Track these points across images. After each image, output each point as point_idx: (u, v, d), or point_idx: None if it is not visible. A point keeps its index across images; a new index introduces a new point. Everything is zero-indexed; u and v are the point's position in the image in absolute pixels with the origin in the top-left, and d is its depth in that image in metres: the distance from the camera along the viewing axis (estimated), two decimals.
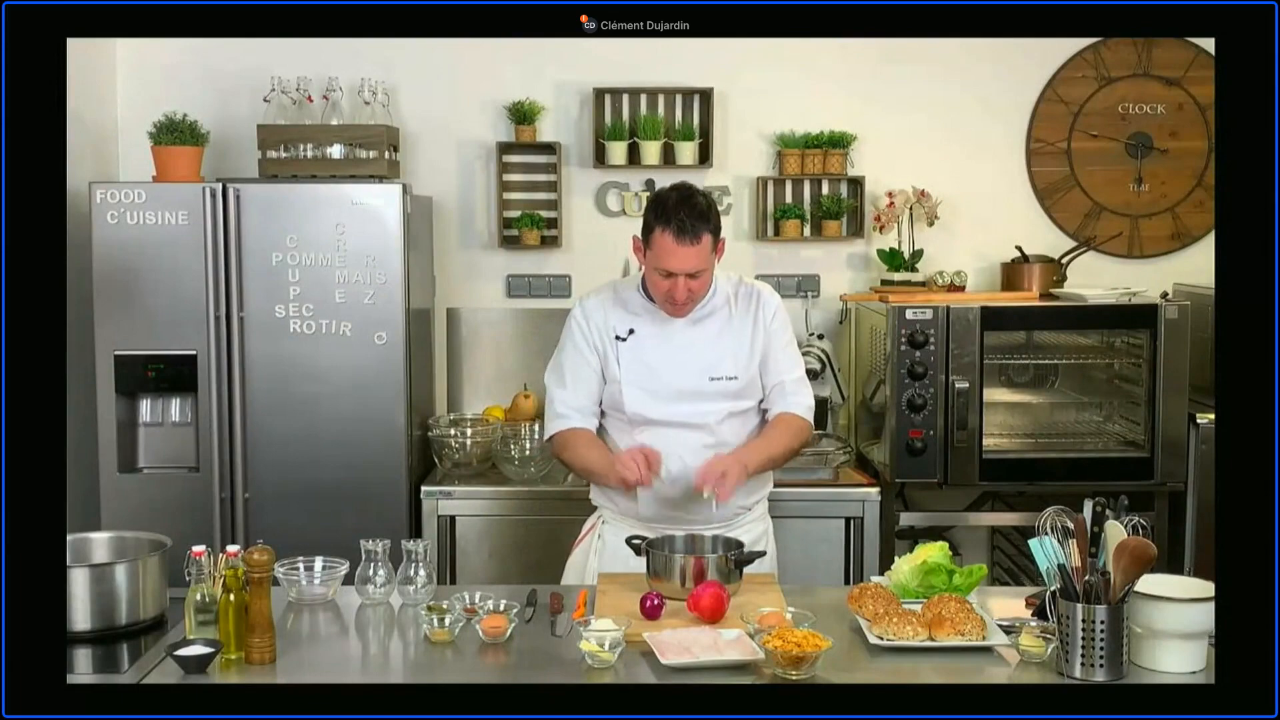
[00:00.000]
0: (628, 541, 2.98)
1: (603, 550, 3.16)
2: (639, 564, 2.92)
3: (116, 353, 3.99)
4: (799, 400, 3.14)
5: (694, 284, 2.97)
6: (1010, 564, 4.56)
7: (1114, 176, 4.71)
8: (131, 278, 3.97)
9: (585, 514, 4.06)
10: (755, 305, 3.13)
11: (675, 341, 3.08)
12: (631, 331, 3.10)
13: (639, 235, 3.04)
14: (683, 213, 2.91)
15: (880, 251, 4.59)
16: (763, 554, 2.97)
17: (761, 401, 3.16)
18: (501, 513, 4.06)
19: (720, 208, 4.62)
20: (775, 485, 3.96)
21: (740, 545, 2.89)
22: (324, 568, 2.83)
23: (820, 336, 4.60)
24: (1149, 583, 2.36)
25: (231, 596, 2.41)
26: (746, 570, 2.86)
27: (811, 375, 4.50)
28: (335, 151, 4.16)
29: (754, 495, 3.17)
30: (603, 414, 3.16)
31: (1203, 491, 4.04)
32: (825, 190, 4.68)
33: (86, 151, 4.35)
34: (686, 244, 2.91)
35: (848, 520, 4.02)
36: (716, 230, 2.99)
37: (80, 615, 2.53)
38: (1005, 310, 4.11)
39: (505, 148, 4.59)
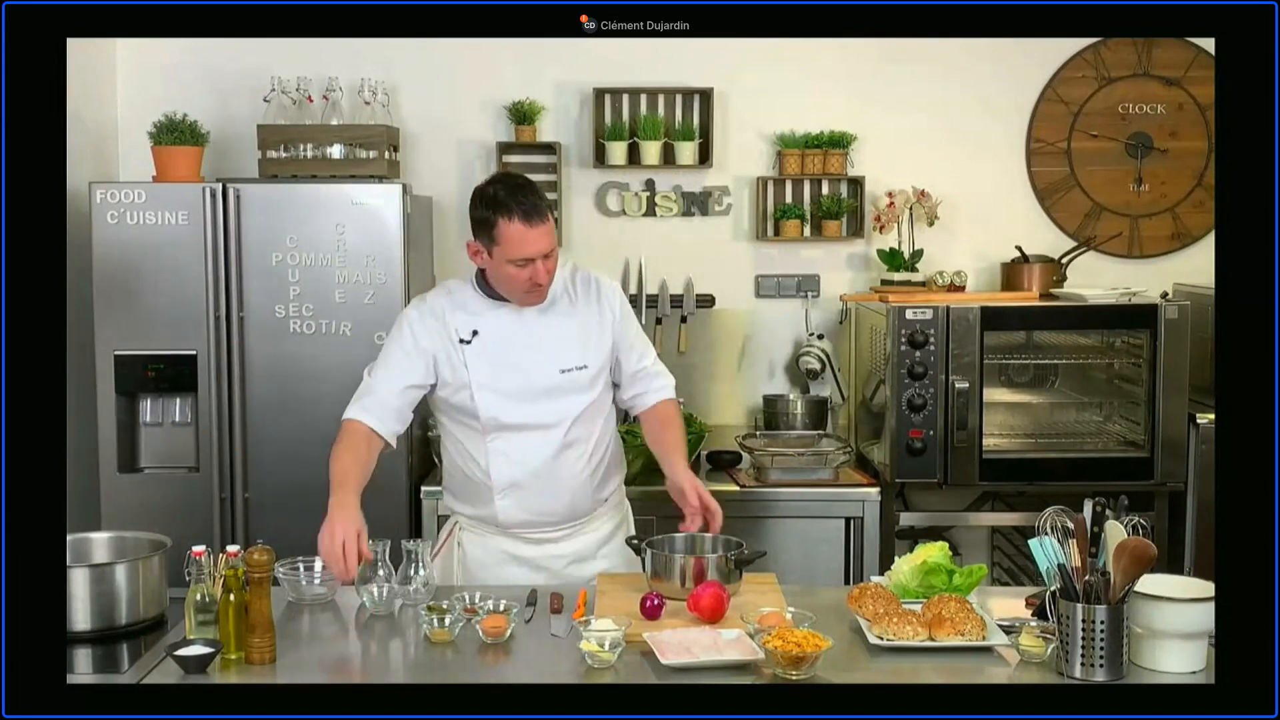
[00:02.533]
0: (628, 541, 2.98)
1: (464, 559, 3.10)
2: (505, 574, 2.98)
3: (116, 353, 3.99)
4: (665, 382, 3.16)
5: (549, 264, 2.92)
6: (1010, 564, 4.56)
7: (1114, 176, 4.71)
8: (131, 278, 3.97)
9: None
10: (597, 292, 3.09)
11: (521, 338, 2.99)
12: (475, 333, 2.99)
13: (471, 239, 2.94)
14: (521, 197, 2.87)
15: (880, 251, 4.59)
16: (763, 553, 2.96)
17: (615, 391, 3.14)
18: None
19: (720, 208, 4.66)
20: (775, 485, 4.00)
21: (740, 545, 2.89)
22: (324, 568, 2.83)
23: (820, 336, 4.61)
24: (1149, 583, 2.36)
25: (231, 596, 2.41)
26: (747, 573, 2.86)
27: (812, 375, 4.54)
28: (335, 151, 4.16)
29: (608, 486, 3.14)
30: (444, 423, 3.09)
31: (1203, 491, 4.04)
32: (825, 190, 4.68)
33: (86, 151, 4.35)
34: (538, 224, 2.86)
35: (848, 520, 4.02)
36: (551, 213, 3.00)
37: (80, 615, 2.53)
38: (1005, 310, 4.11)
39: (505, 148, 4.59)
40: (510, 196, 2.87)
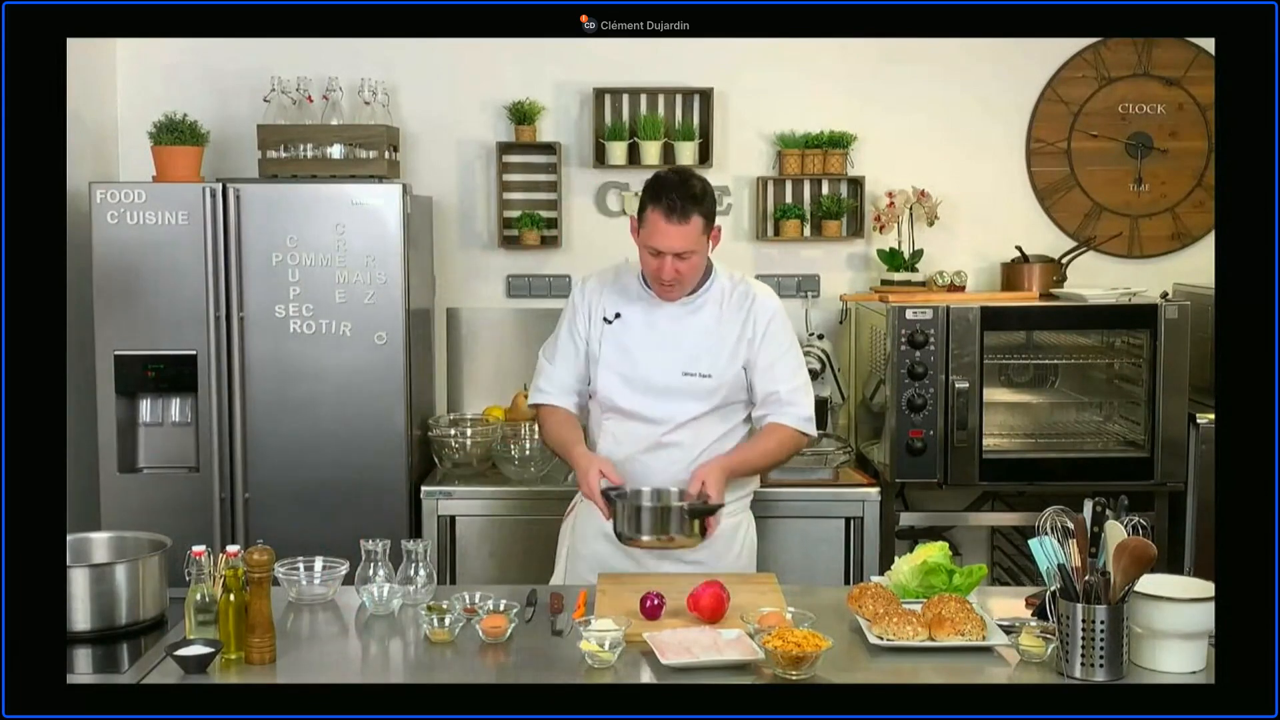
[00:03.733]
0: (603, 492, 2.94)
1: (575, 524, 3.19)
2: (598, 549, 3.04)
3: (116, 353, 3.99)
4: (793, 411, 3.08)
5: (682, 265, 2.95)
6: (1010, 564, 4.56)
7: (1114, 176, 4.71)
8: (131, 278, 3.97)
9: None
10: (748, 306, 3.09)
11: (659, 331, 3.06)
12: (619, 315, 3.09)
13: (635, 215, 3.04)
14: (675, 193, 2.91)
15: (880, 251, 4.59)
16: (721, 505, 2.92)
17: (751, 410, 3.13)
18: (501, 513, 4.06)
19: (720, 208, 4.64)
20: (775, 485, 3.99)
21: (705, 500, 2.89)
22: (324, 568, 2.83)
23: (820, 336, 4.60)
24: (1149, 583, 2.36)
25: (231, 596, 2.41)
26: (746, 572, 2.86)
27: (811, 375, 4.51)
28: (335, 151, 4.16)
29: (734, 494, 3.12)
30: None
31: (1203, 491, 4.04)
32: (825, 190, 4.68)
33: (86, 151, 4.35)
34: (675, 223, 2.90)
35: (848, 520, 4.02)
36: (710, 215, 2.97)
37: (80, 615, 2.53)
38: (1005, 310, 4.11)
39: (505, 148, 4.59)
40: (665, 188, 2.93)
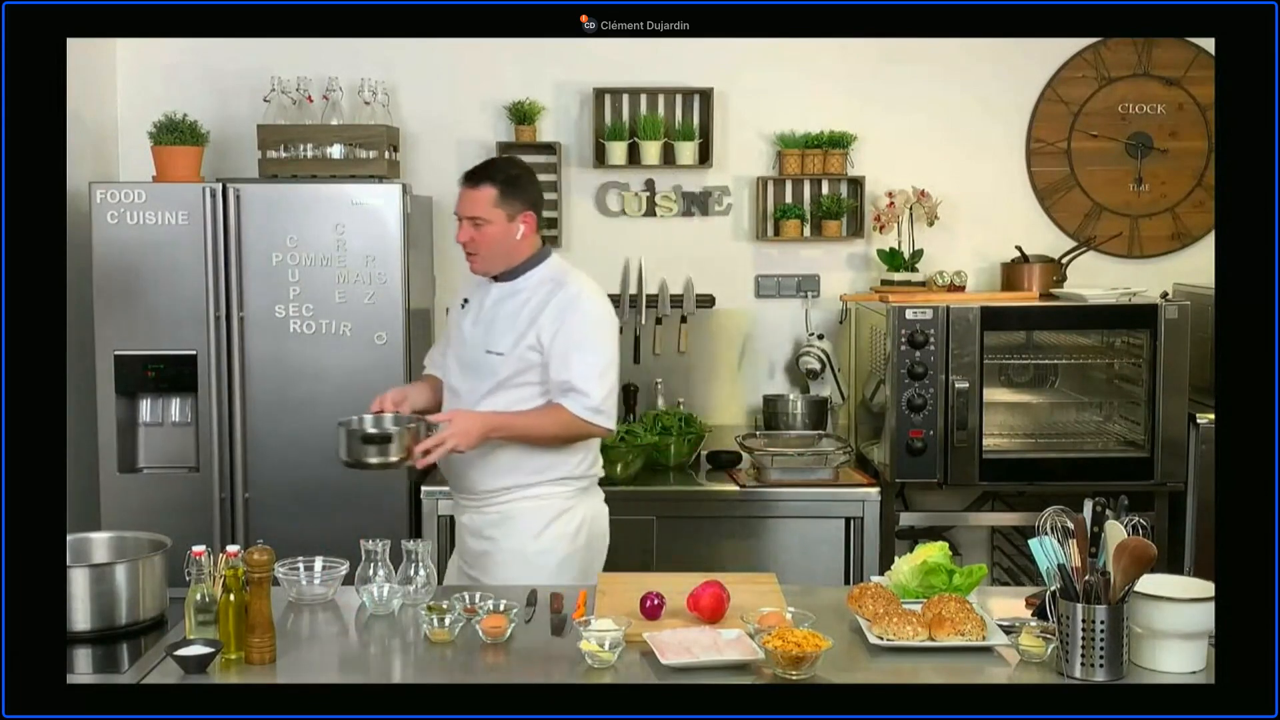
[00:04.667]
0: (339, 422, 3.08)
1: None
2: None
3: (116, 353, 3.99)
4: (579, 399, 3.11)
5: (475, 234, 3.15)
6: (1010, 564, 4.56)
7: (1114, 176, 4.71)
8: (131, 278, 3.97)
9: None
10: (554, 295, 3.16)
11: (483, 312, 3.23)
12: (467, 301, 3.30)
13: None
14: (478, 164, 3.24)
15: (880, 251, 4.59)
16: (418, 423, 3.06)
17: (546, 394, 3.16)
18: None
19: (720, 208, 4.65)
20: (775, 485, 4.00)
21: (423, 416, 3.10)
22: (324, 568, 2.83)
23: (820, 336, 4.61)
24: (1149, 583, 2.36)
25: (231, 596, 2.41)
26: (746, 573, 2.86)
27: (812, 375, 4.54)
28: (335, 151, 4.16)
29: (505, 479, 3.16)
30: None
31: (1203, 491, 4.04)
32: (825, 190, 4.68)
33: (86, 151, 4.35)
34: (467, 187, 3.16)
35: (848, 520, 4.02)
36: (509, 194, 3.15)
37: (80, 615, 2.53)
38: (1005, 310, 4.11)
39: (505, 148, 4.58)
40: (478, 165, 3.24)
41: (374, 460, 3.01)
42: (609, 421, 3.16)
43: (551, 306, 3.14)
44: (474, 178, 3.17)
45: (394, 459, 3.01)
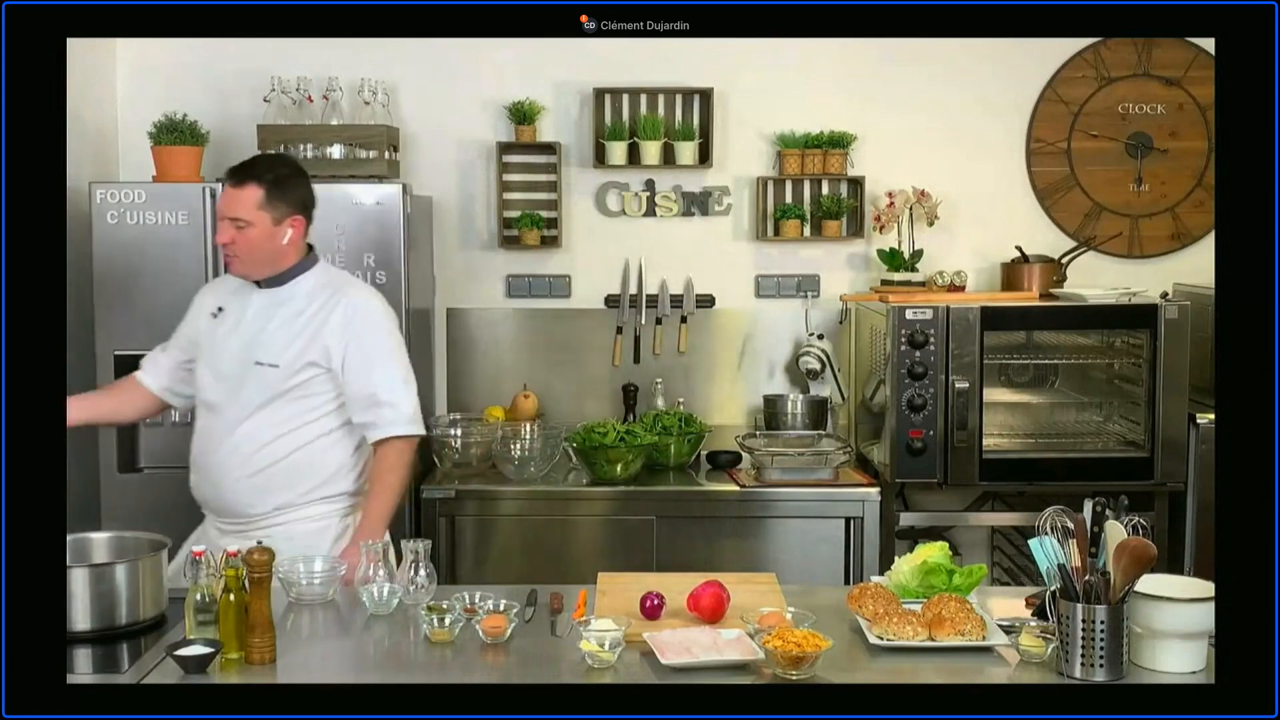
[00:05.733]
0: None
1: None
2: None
3: (116, 353, 3.99)
4: (392, 413, 3.07)
5: (237, 235, 3.00)
6: (1010, 564, 4.56)
7: (1114, 176, 4.71)
8: (131, 278, 3.97)
9: (585, 513, 4.09)
10: (337, 304, 3.08)
11: (246, 321, 3.08)
12: (221, 310, 3.14)
13: None
14: (243, 163, 3.08)
15: (880, 251, 4.59)
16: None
17: (351, 412, 3.10)
18: (501, 513, 4.06)
19: (720, 208, 4.65)
20: (775, 485, 4.00)
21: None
22: (324, 568, 2.83)
23: (820, 336, 4.61)
24: (1149, 583, 2.36)
25: (231, 596, 2.41)
26: (746, 573, 2.86)
27: (812, 375, 4.54)
28: (335, 151, 4.16)
29: (277, 499, 3.07)
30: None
31: (1203, 491, 4.04)
32: (825, 190, 4.68)
33: (86, 151, 4.35)
34: (230, 186, 3.01)
35: (848, 520, 4.02)
36: (276, 195, 3.01)
37: (80, 615, 2.53)
38: (1005, 310, 4.11)
39: (505, 148, 4.59)
40: (244, 162, 3.09)
41: None
42: (422, 425, 3.17)
43: (337, 317, 3.05)
44: (239, 176, 3.00)
45: None
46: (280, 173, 3.06)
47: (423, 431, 3.17)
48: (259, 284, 3.09)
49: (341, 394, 3.09)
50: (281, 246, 3.04)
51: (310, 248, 3.15)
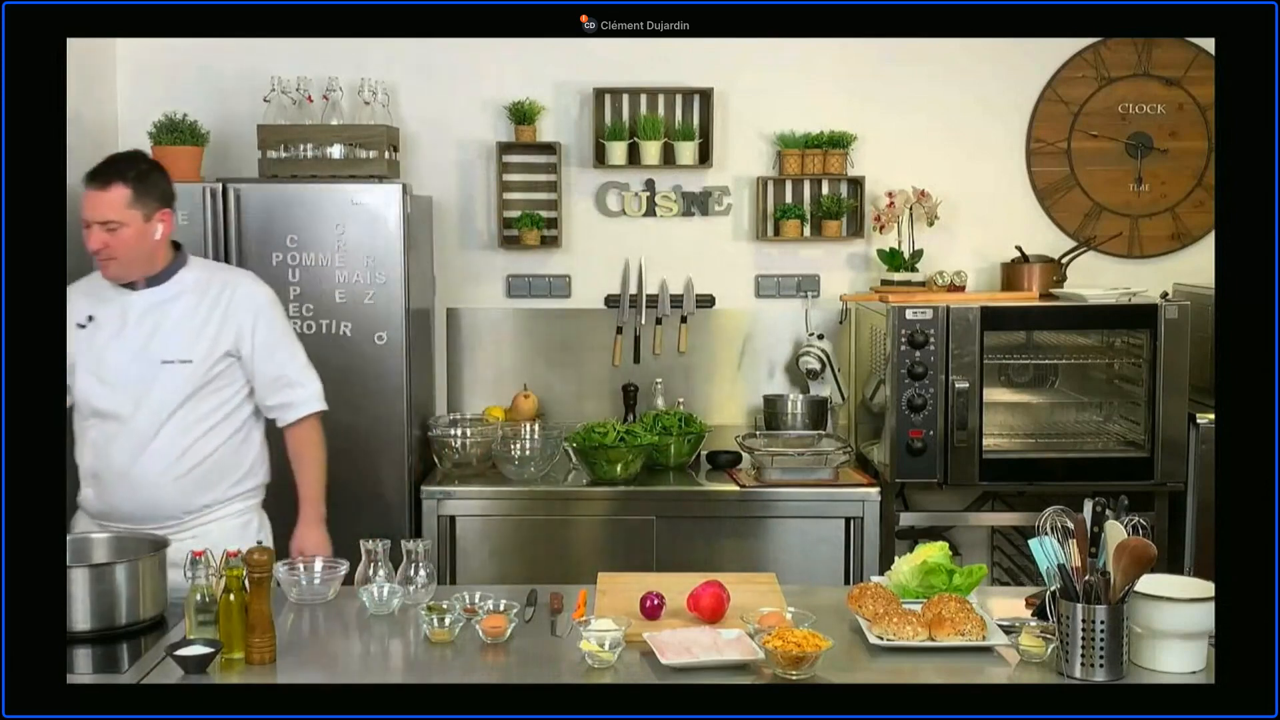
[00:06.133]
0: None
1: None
2: None
3: None
4: (305, 391, 3.18)
5: (109, 238, 2.95)
6: (1010, 564, 4.56)
7: (1114, 176, 4.71)
8: None
9: (585, 513, 4.09)
10: (232, 294, 3.10)
11: (133, 325, 3.03)
12: (91, 318, 3.05)
13: None
14: (104, 164, 2.99)
15: (880, 251, 4.59)
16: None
17: (260, 399, 3.15)
18: (501, 513, 4.06)
19: (720, 208, 4.65)
20: (775, 485, 4.00)
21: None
22: (324, 568, 2.83)
23: (820, 336, 4.60)
24: (1149, 583, 2.36)
25: (231, 596, 2.41)
26: (746, 573, 2.86)
27: (812, 375, 4.54)
28: (335, 151, 4.16)
29: (206, 496, 3.10)
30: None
31: (1203, 491, 4.04)
32: (825, 190, 4.68)
33: (86, 151, 4.33)
34: (95, 189, 2.95)
35: (848, 520, 4.02)
36: (143, 191, 2.98)
37: (80, 615, 2.53)
38: (1005, 310, 4.11)
39: (505, 148, 4.58)
40: (102, 161, 3.01)
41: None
42: (324, 403, 3.26)
43: (241, 304, 3.08)
44: (101, 178, 2.96)
45: None
46: (141, 169, 3.03)
47: (324, 407, 3.26)
48: (133, 287, 3.05)
49: (249, 382, 3.14)
50: (155, 243, 3.02)
51: (175, 243, 3.12)
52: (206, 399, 3.06)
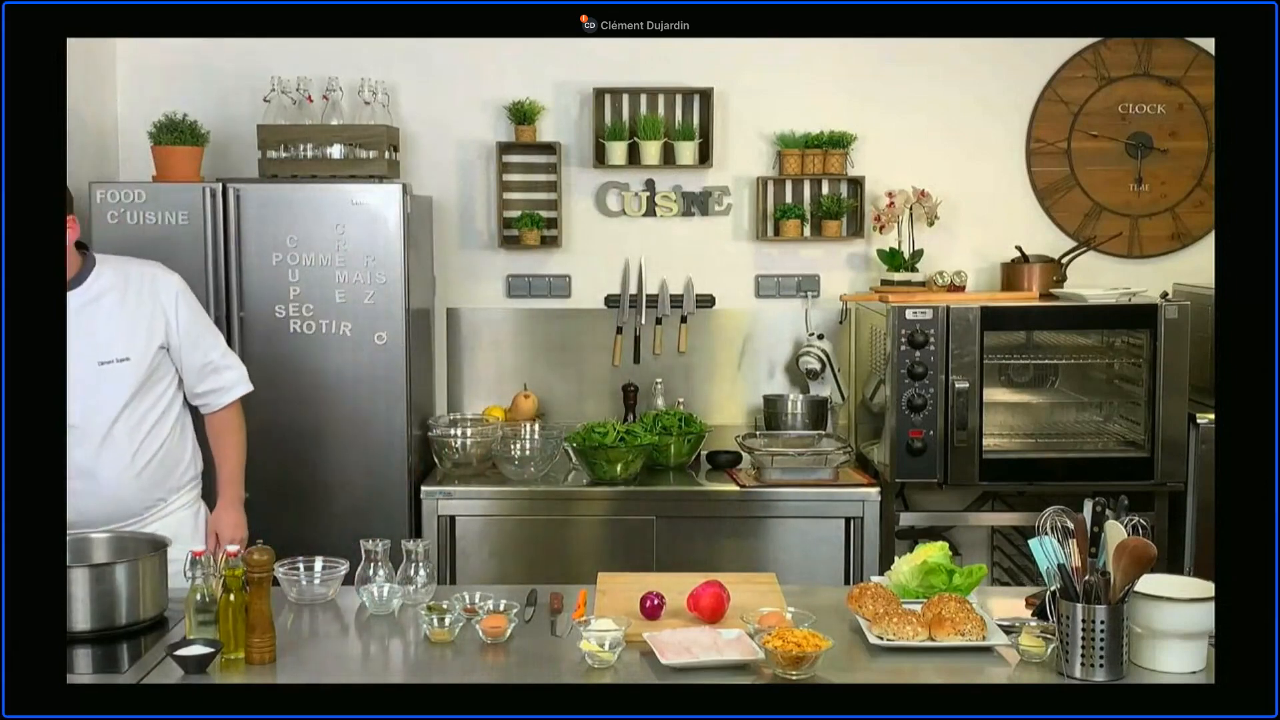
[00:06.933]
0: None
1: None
2: None
3: None
4: (231, 374, 3.24)
5: None
6: (1010, 564, 4.56)
7: (1114, 176, 4.71)
8: None
9: (585, 513, 4.09)
10: (152, 286, 3.13)
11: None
12: None
13: None
14: None
15: (880, 251, 4.59)
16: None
17: (184, 386, 3.19)
18: (501, 513, 4.06)
19: (720, 208, 4.65)
20: (775, 485, 4.00)
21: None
22: (324, 568, 2.83)
23: (820, 336, 4.60)
24: (1149, 583, 2.36)
25: (231, 596, 2.41)
26: (746, 573, 2.86)
27: (812, 375, 4.54)
28: (335, 151, 4.16)
29: (163, 487, 3.15)
30: None
31: (1203, 491, 4.04)
32: (825, 190, 4.68)
33: (86, 151, 4.34)
34: None
35: (848, 520, 4.02)
36: None
37: (80, 615, 2.53)
38: (1005, 310, 4.11)
39: (505, 148, 4.58)
40: None
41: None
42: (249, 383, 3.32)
43: (165, 296, 3.13)
44: None
45: None
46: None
47: (249, 388, 3.31)
48: None
49: (179, 372, 3.18)
50: (70, 248, 2.99)
51: (80, 244, 3.11)
52: (145, 396, 3.10)
